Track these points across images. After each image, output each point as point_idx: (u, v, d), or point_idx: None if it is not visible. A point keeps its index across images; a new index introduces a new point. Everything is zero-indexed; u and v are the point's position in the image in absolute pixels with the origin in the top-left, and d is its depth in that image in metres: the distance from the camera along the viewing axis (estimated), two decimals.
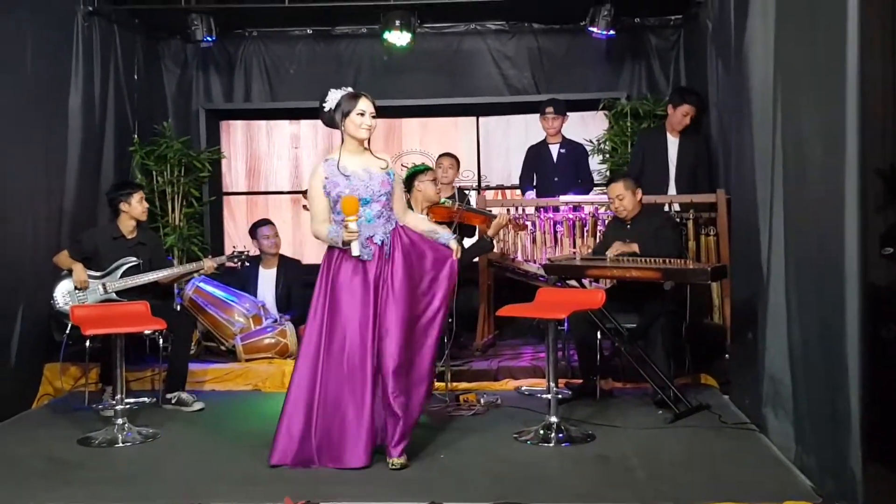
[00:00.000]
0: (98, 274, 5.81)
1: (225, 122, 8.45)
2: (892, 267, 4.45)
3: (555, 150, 7.27)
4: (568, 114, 7.28)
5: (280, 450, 4.35)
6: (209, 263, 6.06)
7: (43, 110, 6.17)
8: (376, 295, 4.36)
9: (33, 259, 5.94)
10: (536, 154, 7.37)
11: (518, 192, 7.57)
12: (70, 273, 5.78)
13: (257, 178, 8.50)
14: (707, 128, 6.90)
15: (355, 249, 4.33)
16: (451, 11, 7.82)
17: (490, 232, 6.23)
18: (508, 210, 6.83)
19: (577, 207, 6.72)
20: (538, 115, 7.28)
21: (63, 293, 5.77)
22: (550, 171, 7.26)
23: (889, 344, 4.38)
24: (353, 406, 4.31)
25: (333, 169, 4.42)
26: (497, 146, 8.23)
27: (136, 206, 5.91)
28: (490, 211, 6.43)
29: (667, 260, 5.32)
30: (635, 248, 5.45)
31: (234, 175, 8.49)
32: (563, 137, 7.30)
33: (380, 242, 4.40)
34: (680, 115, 6.77)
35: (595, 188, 7.75)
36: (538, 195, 7.12)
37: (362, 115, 4.40)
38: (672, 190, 6.69)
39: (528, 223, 6.73)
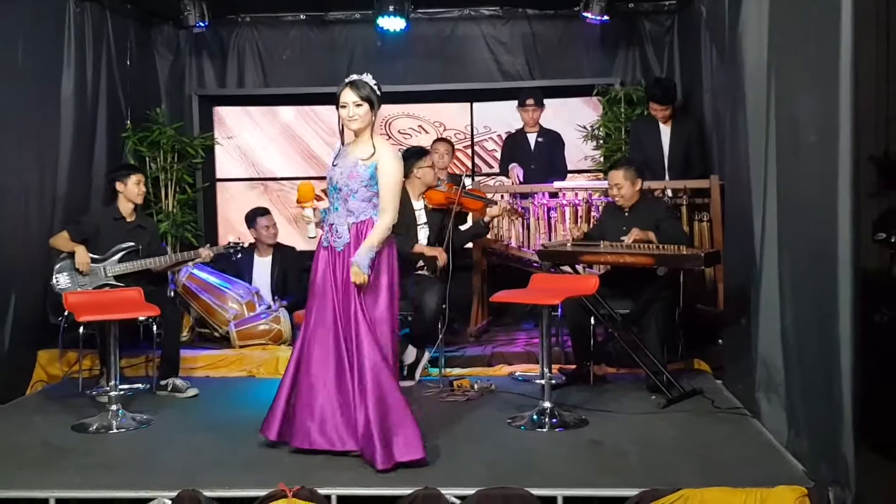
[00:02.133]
0: (98, 257, 5.81)
1: (217, 108, 8.42)
2: (884, 252, 4.48)
3: (532, 138, 7.30)
4: (548, 103, 7.31)
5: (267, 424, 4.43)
6: (205, 252, 6.05)
7: (35, 97, 6.13)
8: (335, 288, 4.32)
9: (26, 246, 5.93)
10: (514, 142, 7.40)
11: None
12: (70, 255, 5.77)
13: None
14: (701, 112, 6.90)
15: (310, 231, 4.39)
16: None
17: (486, 217, 6.24)
18: (503, 196, 6.82)
19: (554, 195, 6.70)
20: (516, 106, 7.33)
21: (63, 275, 5.77)
22: (528, 160, 7.27)
23: (881, 329, 4.41)
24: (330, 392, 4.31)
25: (337, 153, 4.46)
26: (490, 132, 8.22)
27: (131, 188, 5.89)
28: (489, 197, 6.43)
29: (660, 245, 5.33)
30: (652, 236, 5.42)
31: (228, 161, 8.46)
32: (541, 126, 7.31)
33: (339, 233, 4.35)
34: (652, 108, 6.84)
35: (586, 174, 7.76)
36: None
37: (344, 107, 4.33)
38: (667, 176, 6.69)
39: (523, 209, 6.73)
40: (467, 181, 7.46)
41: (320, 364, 4.31)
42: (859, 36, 3.42)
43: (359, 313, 4.24)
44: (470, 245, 6.82)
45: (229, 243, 6.35)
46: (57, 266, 5.80)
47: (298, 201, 4.39)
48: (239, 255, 6.46)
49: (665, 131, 6.83)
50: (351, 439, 4.24)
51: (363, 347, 4.22)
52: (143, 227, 6.01)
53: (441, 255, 5.90)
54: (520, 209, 6.69)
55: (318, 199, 4.44)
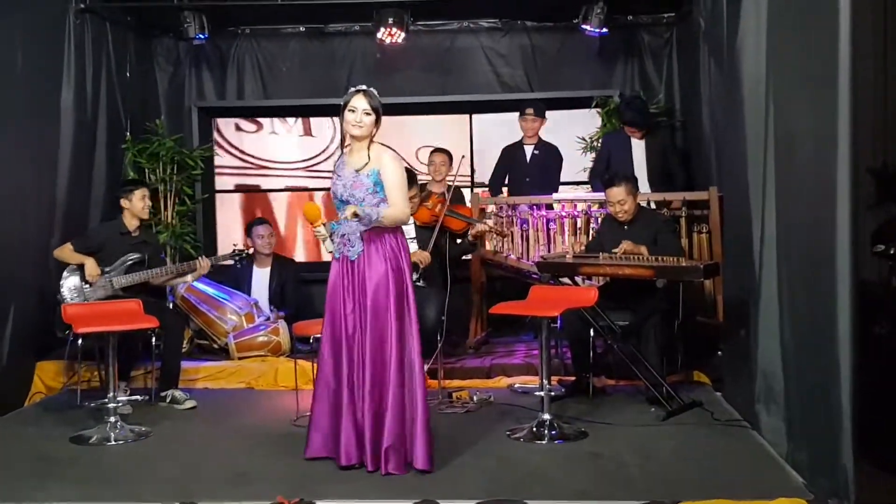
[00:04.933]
0: (105, 269, 5.82)
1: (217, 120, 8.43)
2: (883, 264, 4.47)
3: (529, 150, 7.29)
4: (547, 115, 7.31)
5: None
6: (203, 263, 6.06)
7: (34, 108, 6.14)
8: (354, 295, 4.31)
9: (25, 257, 5.93)
10: (511, 154, 7.37)
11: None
12: (77, 268, 5.78)
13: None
14: (699, 124, 6.90)
15: (328, 247, 4.34)
16: (445, 9, 7.81)
17: (470, 237, 6.29)
18: (492, 213, 6.82)
19: (550, 206, 6.71)
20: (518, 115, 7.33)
21: (70, 288, 5.77)
22: (522, 172, 7.27)
23: (880, 340, 4.40)
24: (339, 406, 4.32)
25: (336, 165, 4.43)
26: (490, 144, 8.22)
27: (136, 203, 5.95)
28: (472, 218, 6.47)
29: (659, 257, 5.33)
30: (644, 250, 5.43)
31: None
32: (539, 139, 7.31)
33: (352, 243, 4.33)
34: (628, 130, 6.92)
35: (585, 186, 7.75)
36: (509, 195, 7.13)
37: (353, 112, 4.32)
38: (646, 189, 6.69)
39: (508, 231, 6.72)
40: (466, 192, 7.50)
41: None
42: (857, 47, 3.43)
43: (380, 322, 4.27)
44: (468, 256, 6.82)
45: (234, 251, 6.39)
46: (64, 278, 5.80)
47: (310, 223, 4.31)
48: (244, 262, 6.51)
49: (639, 145, 6.87)
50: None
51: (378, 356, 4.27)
52: (147, 241, 6.08)
53: (422, 256, 5.99)
54: (505, 230, 6.68)
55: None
